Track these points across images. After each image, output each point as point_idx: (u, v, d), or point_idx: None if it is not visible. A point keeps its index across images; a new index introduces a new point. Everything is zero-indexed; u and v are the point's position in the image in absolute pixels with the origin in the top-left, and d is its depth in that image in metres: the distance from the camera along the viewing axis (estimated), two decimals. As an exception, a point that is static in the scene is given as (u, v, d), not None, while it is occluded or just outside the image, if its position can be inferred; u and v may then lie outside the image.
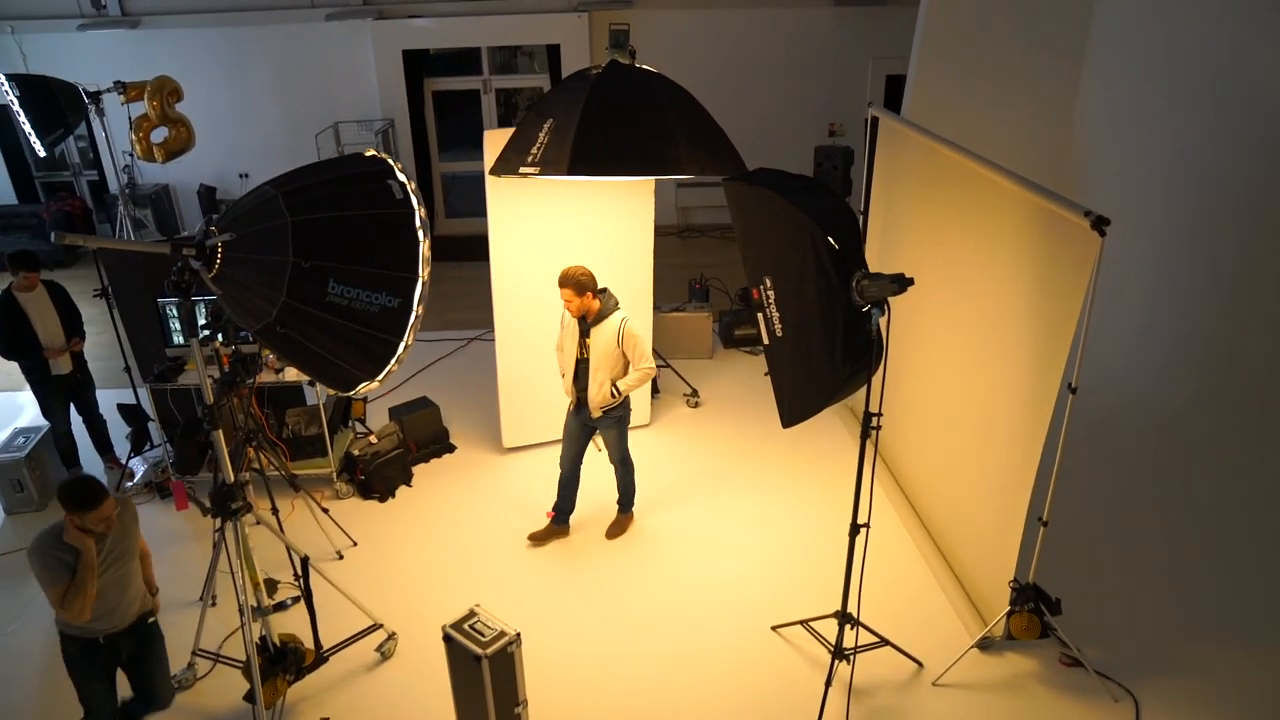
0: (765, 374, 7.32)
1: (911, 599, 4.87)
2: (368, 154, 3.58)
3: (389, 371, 3.54)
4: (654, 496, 5.68)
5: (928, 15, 7.04)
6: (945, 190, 5.00)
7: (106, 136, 8.22)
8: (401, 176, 3.46)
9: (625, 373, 4.87)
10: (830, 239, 3.42)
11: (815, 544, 5.30)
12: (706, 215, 11.12)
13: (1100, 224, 3.60)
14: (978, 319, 4.64)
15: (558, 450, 6.22)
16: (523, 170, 4.11)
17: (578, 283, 4.59)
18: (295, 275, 3.26)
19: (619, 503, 5.42)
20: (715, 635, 4.65)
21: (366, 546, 5.39)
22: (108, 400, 6.32)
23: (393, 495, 5.84)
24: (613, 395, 4.86)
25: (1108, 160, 7.00)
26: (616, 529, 5.41)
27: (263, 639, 4.08)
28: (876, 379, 3.60)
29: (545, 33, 10.12)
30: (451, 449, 6.34)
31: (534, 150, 4.09)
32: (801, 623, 4.54)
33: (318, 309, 3.33)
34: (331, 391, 3.71)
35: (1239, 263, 6.00)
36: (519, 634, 3.55)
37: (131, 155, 8.75)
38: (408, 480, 5.97)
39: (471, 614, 3.62)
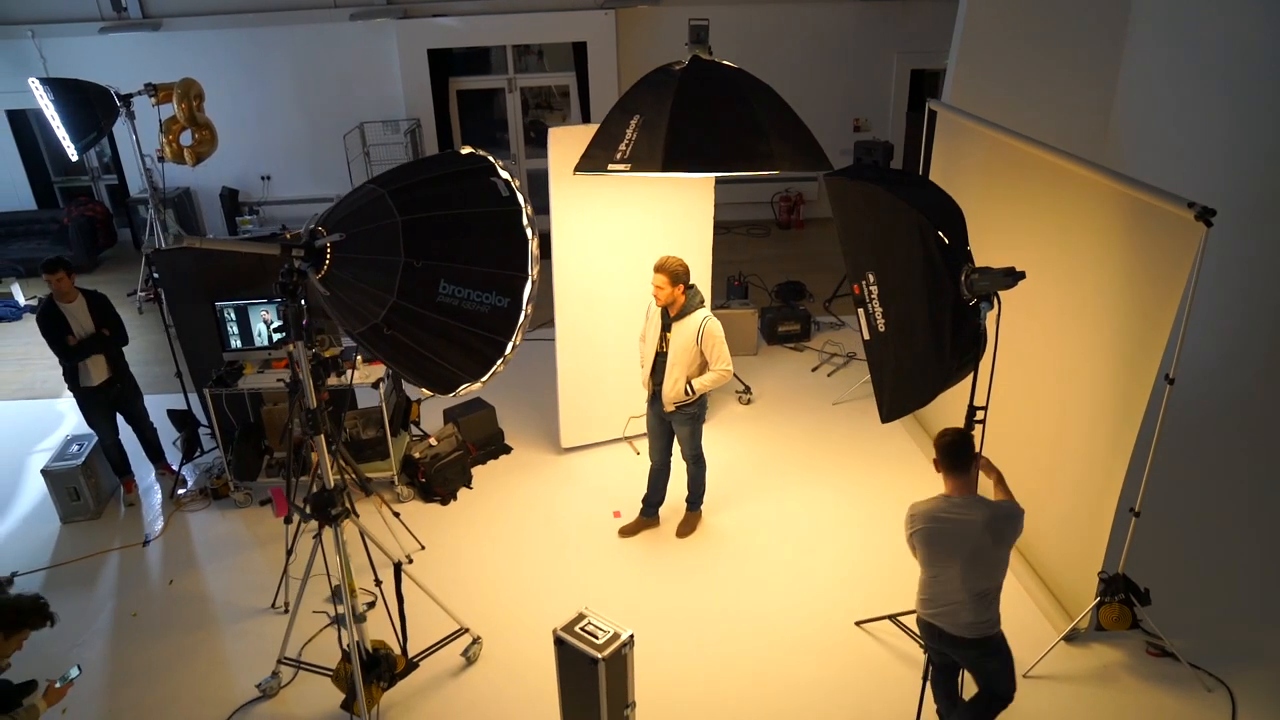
0: (814, 370, 7.38)
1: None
2: (464, 151, 3.52)
3: (494, 373, 3.49)
4: (719, 494, 5.63)
5: (969, 6, 7.04)
6: (1018, 183, 4.98)
7: (136, 139, 8.14)
8: (505, 174, 3.41)
9: (701, 371, 4.84)
10: (940, 233, 3.39)
11: (879, 539, 5.28)
12: (731, 212, 11.07)
13: (1206, 215, 3.60)
14: (1060, 311, 4.62)
15: (616, 449, 6.28)
16: (611, 167, 4.06)
17: (673, 272, 4.59)
18: (406, 275, 3.21)
19: (688, 501, 5.39)
20: (799, 632, 4.62)
21: (434, 550, 5.33)
22: (156, 406, 6.23)
23: (454, 498, 5.78)
24: (687, 393, 4.83)
25: (1150, 146, 7.00)
26: (686, 527, 5.37)
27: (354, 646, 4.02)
28: (982, 373, 3.57)
29: (571, 30, 10.06)
30: (507, 450, 6.29)
31: (622, 147, 4.03)
32: (890, 617, 4.52)
33: (428, 310, 3.27)
34: (427, 393, 3.65)
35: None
36: (632, 635, 3.51)
37: (155, 159, 8.65)
38: (468, 482, 5.91)
39: (580, 616, 3.58)
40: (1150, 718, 4.10)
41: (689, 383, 4.81)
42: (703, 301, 4.82)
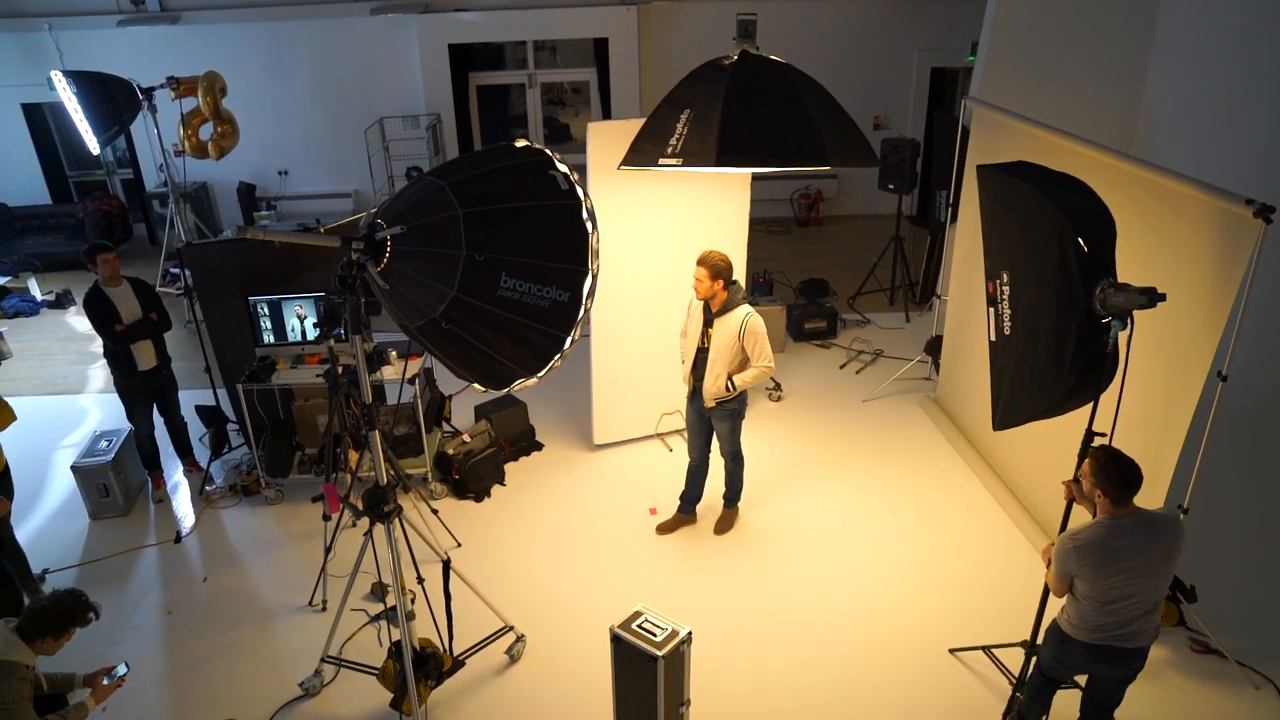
0: (841, 366, 7.36)
1: (1027, 594, 4.81)
2: (519, 144, 3.48)
3: (551, 368, 3.46)
4: (754, 491, 5.60)
5: (998, 3, 7.03)
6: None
7: (158, 133, 8.09)
8: (563, 167, 3.38)
9: (743, 368, 4.81)
10: (1080, 240, 3.19)
11: (917, 537, 5.27)
12: (751, 209, 11.04)
13: (1265, 211, 3.57)
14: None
15: (648, 446, 6.25)
16: (661, 162, 4.03)
17: (715, 267, 4.54)
18: (468, 269, 3.17)
19: (725, 498, 5.37)
20: (841, 630, 4.61)
21: (471, 547, 5.31)
22: (183, 402, 6.18)
23: (488, 494, 5.76)
24: (728, 389, 4.81)
25: (1179, 143, 6.99)
26: (724, 524, 5.35)
27: (398, 644, 3.99)
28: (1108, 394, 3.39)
29: (593, 26, 10.03)
30: (539, 447, 6.26)
31: (673, 141, 4.01)
32: (984, 649, 4.43)
33: (489, 304, 3.24)
34: (479, 388, 3.61)
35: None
36: (690, 633, 3.48)
37: (172, 152, 8.60)
38: (501, 479, 5.88)
39: (637, 614, 3.55)
40: (1197, 715, 4.08)
41: (730, 379, 4.79)
42: (745, 298, 4.79)
